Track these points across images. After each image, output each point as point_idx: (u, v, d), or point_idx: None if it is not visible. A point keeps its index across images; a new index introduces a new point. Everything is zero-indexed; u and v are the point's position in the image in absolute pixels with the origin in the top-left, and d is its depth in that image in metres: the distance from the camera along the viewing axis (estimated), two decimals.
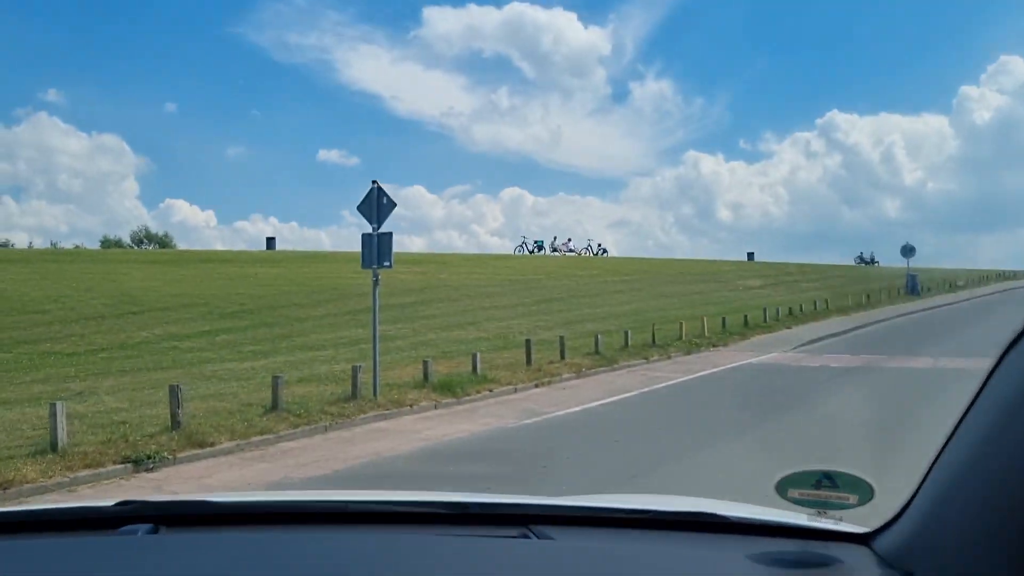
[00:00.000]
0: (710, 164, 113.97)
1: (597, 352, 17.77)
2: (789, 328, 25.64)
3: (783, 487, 1.38)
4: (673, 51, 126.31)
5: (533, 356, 15.99)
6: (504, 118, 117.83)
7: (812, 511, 1.37)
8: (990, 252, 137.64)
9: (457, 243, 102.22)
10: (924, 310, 32.19)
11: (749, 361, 18.11)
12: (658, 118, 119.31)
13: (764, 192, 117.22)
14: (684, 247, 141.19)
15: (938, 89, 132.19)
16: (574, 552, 1.36)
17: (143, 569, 1.25)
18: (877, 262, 60.85)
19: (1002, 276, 55.49)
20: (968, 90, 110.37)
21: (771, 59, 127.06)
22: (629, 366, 17.34)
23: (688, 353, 19.90)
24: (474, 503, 1.54)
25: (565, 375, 15.48)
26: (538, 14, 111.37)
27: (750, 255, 62.51)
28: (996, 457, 0.88)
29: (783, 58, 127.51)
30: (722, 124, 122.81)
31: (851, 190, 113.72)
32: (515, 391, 13.79)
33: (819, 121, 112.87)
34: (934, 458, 1.04)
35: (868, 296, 35.27)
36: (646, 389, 13.98)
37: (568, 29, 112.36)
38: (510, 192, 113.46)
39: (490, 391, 13.40)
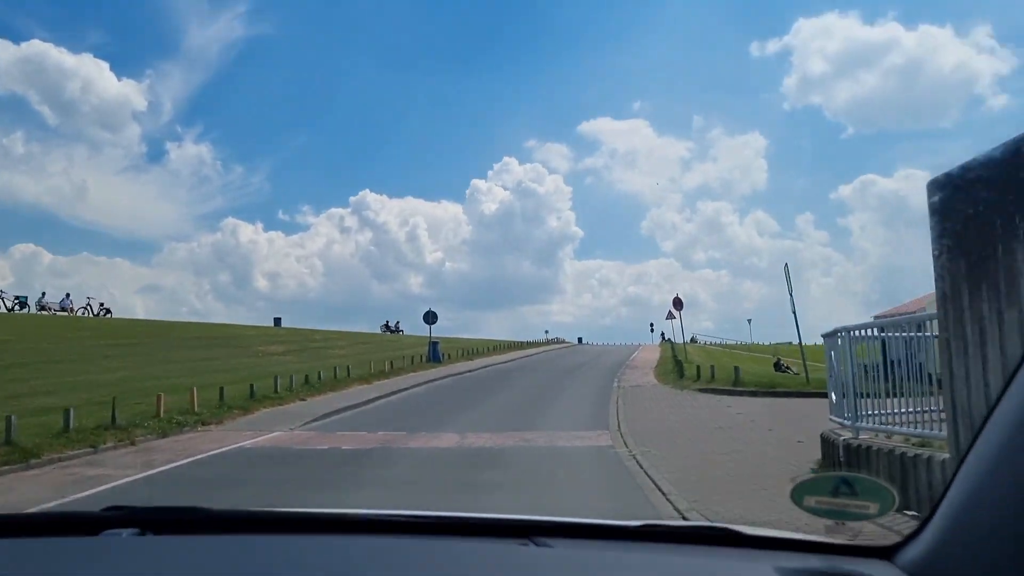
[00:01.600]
0: (249, 232, 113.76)
1: (8, 441, 11.98)
2: (304, 400, 21.99)
3: (799, 494, 1.36)
4: (214, 115, 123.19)
5: None
6: (18, 166, 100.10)
7: (829, 522, 1.36)
8: (497, 325, 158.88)
9: None
10: (447, 376, 31.39)
11: (242, 445, 13.91)
12: (197, 182, 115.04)
13: (301, 263, 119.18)
14: (220, 314, 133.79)
15: (455, 180, 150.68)
16: (577, 560, 1.34)
17: (127, 570, 1.25)
18: (402, 331, 62.46)
19: (514, 346, 60.59)
20: (478, 183, 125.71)
21: (311, 135, 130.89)
22: (60, 460, 12.00)
23: (164, 435, 15.15)
24: (476, 517, 1.55)
25: None
26: (64, 57, 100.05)
27: (277, 320, 60.31)
28: (1019, 465, 0.89)
29: (322, 135, 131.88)
30: (262, 193, 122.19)
31: (380, 265, 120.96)
32: None
33: (353, 199, 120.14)
34: (955, 469, 1.02)
35: (392, 363, 33.86)
36: (64, 499, 9.17)
37: (99, 78, 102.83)
38: (22, 248, 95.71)
39: None
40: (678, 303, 38.21)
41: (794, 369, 27.61)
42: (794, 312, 22.29)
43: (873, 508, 1.31)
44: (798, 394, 20.04)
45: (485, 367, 37.06)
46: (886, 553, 1.20)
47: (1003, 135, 4.18)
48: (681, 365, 30.73)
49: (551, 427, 14.97)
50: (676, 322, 40.22)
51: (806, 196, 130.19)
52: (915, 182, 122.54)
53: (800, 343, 22.95)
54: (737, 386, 22.31)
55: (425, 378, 30.48)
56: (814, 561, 1.25)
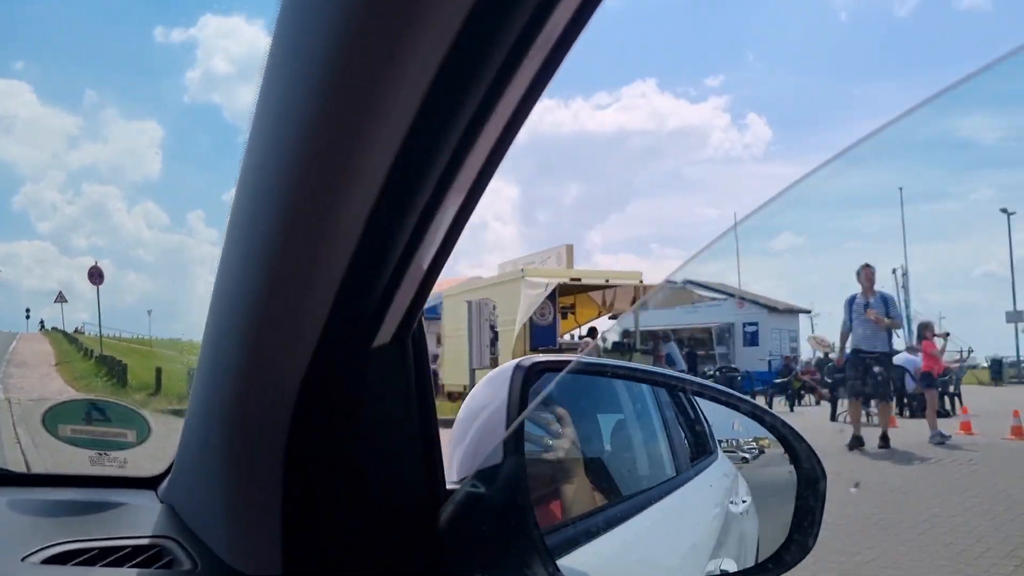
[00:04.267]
0: None
1: None
2: None
3: (52, 422, 1.25)
4: None
5: None
6: None
7: (94, 453, 1.30)
8: None
9: None
10: None
11: None
12: None
13: None
14: None
15: None
16: None
17: None
18: None
19: None
20: None
21: None
22: None
23: None
24: None
25: None
26: None
27: None
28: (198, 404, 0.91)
29: None
30: None
31: None
32: None
33: None
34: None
35: None
36: None
37: None
38: None
39: None
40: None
41: None
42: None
43: (131, 436, 1.26)
44: None
45: None
46: (152, 483, 1.20)
47: None
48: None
49: None
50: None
51: (200, 193, 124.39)
52: None
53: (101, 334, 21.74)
54: None
55: None
56: (79, 495, 1.21)
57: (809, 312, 26.08)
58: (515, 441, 0.89)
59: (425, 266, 0.76)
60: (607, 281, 18.60)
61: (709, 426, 1.62)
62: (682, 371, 17.10)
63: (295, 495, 0.82)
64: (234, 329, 0.79)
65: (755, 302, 25.29)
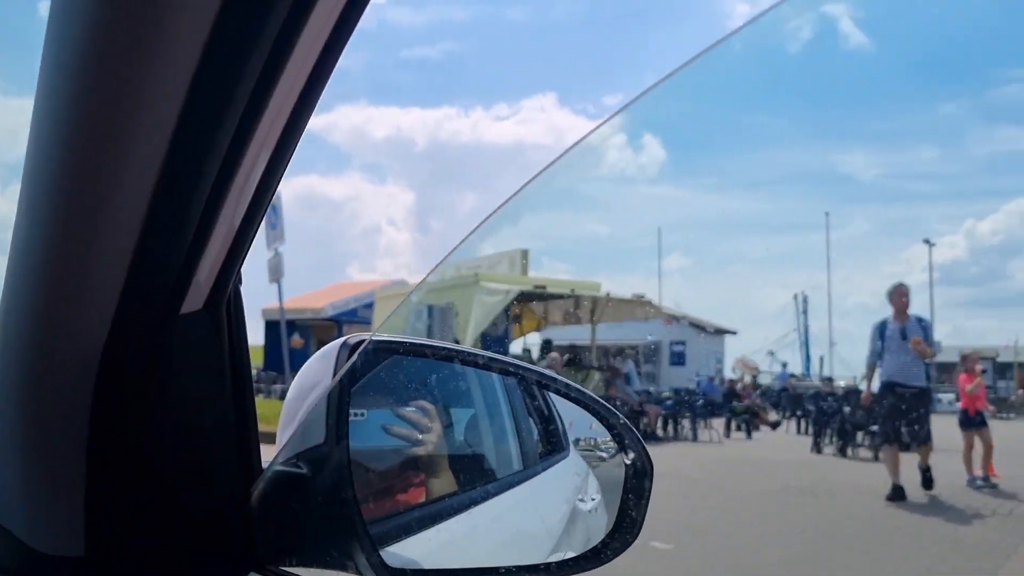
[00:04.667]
0: None
1: None
2: None
3: None
4: None
5: None
6: None
7: None
8: None
9: None
10: None
11: None
12: None
13: None
14: None
15: None
16: None
17: None
18: None
19: None
20: None
21: None
22: None
23: None
24: None
25: None
26: None
27: None
28: None
29: None
30: None
31: None
32: None
33: None
34: None
35: None
36: None
37: None
38: None
39: None
40: None
41: None
42: None
43: None
44: None
45: None
46: None
47: None
48: None
49: None
50: None
51: None
52: None
53: None
54: None
55: None
56: None
57: (735, 333, 26.69)
58: (338, 424, 0.87)
59: (234, 228, 0.74)
60: (572, 291, 16.79)
61: (563, 423, 1.62)
62: (638, 391, 16.01)
63: (98, 473, 0.79)
64: (26, 306, 0.76)
65: (683, 321, 24.84)
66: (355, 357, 0.93)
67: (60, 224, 0.68)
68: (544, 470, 1.51)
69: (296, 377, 0.98)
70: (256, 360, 25.47)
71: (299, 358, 23.92)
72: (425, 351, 1.11)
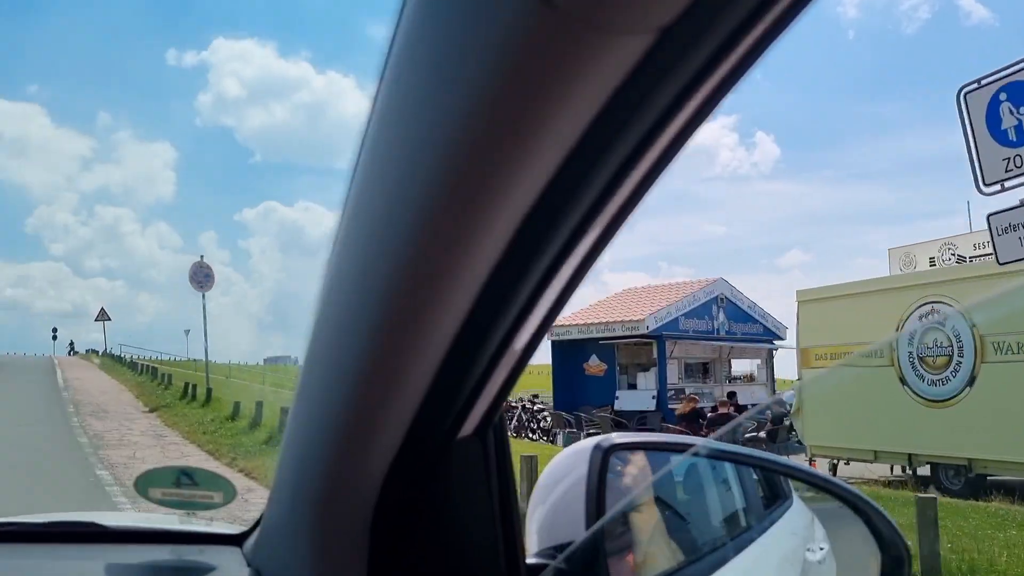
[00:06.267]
0: None
1: None
2: None
3: (143, 486, 1.33)
4: None
5: None
6: None
7: (182, 512, 1.38)
8: None
9: None
10: None
11: None
12: None
13: None
14: None
15: None
16: None
17: None
18: None
19: None
20: None
21: None
22: None
23: None
24: None
25: None
26: None
27: None
28: (295, 459, 0.90)
29: None
30: None
31: None
32: None
33: None
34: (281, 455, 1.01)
35: None
36: None
37: None
38: None
39: None
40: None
41: None
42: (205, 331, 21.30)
43: (218, 498, 1.34)
44: None
45: None
46: (237, 540, 1.25)
47: None
48: None
49: None
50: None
51: (211, 214, 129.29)
52: (314, 214, 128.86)
53: (206, 359, 21.81)
54: None
55: None
56: (165, 553, 1.27)
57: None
58: (595, 522, 0.93)
59: (517, 354, 0.74)
60: None
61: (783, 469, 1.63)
62: None
63: (379, 572, 0.84)
64: (327, 414, 0.81)
65: None
66: (600, 457, 0.99)
67: (377, 342, 0.69)
68: (771, 524, 1.50)
69: (546, 469, 1.04)
70: (538, 385, 22.55)
71: (600, 390, 21.60)
72: (666, 447, 1.15)
